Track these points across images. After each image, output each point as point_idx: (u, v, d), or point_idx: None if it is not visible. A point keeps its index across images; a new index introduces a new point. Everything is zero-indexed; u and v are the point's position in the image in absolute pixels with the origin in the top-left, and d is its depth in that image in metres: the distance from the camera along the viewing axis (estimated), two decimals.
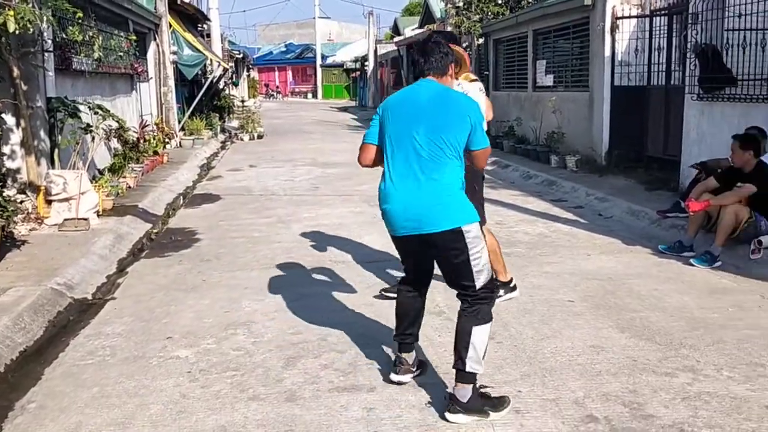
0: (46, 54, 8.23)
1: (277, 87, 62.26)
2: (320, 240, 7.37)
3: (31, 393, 3.85)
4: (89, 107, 8.66)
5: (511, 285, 5.30)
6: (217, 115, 20.58)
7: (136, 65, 13.45)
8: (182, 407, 3.63)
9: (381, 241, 7.13)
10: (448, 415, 3.41)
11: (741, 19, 7.81)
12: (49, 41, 8.26)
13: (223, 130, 21.33)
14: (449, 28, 20.26)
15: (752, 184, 6.25)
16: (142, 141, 12.58)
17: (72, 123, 8.22)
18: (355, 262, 6.52)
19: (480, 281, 3.44)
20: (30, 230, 7.37)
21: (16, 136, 8.05)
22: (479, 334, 3.39)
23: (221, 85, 22.28)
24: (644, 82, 10.65)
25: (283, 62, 63.26)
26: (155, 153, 13.10)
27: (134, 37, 13.45)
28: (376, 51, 38.24)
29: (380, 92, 37.38)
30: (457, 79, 4.36)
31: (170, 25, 17.03)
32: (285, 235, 7.70)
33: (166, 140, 14.91)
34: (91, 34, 10.51)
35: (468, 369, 3.39)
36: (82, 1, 10.57)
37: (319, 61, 57.10)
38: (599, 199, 9.30)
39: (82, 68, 9.89)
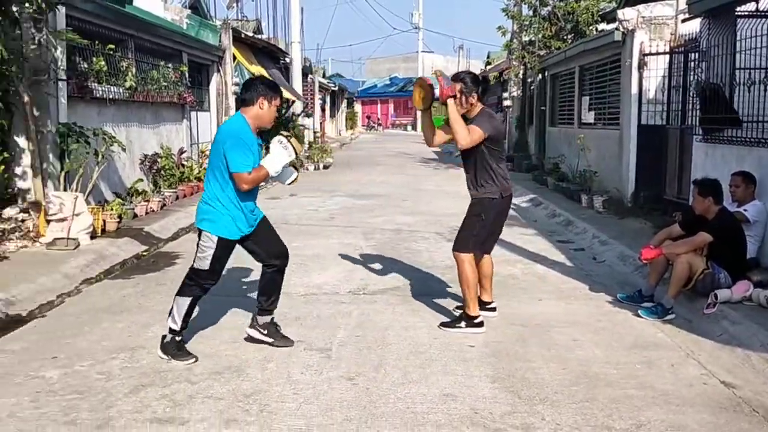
0: (59, 82, 8.78)
1: (378, 119, 63.24)
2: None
3: None
4: (94, 133, 9.10)
5: (476, 321, 5.37)
6: None
7: (185, 95, 14.07)
8: None
9: (340, 276, 7.09)
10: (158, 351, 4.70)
11: (750, 58, 7.30)
12: (61, 71, 8.79)
13: None
14: (515, 63, 20.06)
15: (707, 233, 5.79)
16: (181, 167, 13.09)
17: (76, 148, 8.68)
18: (249, 295, 6.51)
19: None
20: (20, 247, 7.81)
21: (27, 159, 8.62)
22: (176, 300, 4.66)
23: (292, 116, 22.88)
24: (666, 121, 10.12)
25: (385, 95, 64.23)
26: (198, 179, 13.60)
27: (185, 68, 14.12)
28: None
29: None
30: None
31: (235, 58, 17.72)
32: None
33: None
34: (125, 64, 11.15)
35: (168, 322, 4.68)
36: (120, 34, 11.26)
37: None
38: (602, 242, 8.86)
39: (109, 96, 10.44)
